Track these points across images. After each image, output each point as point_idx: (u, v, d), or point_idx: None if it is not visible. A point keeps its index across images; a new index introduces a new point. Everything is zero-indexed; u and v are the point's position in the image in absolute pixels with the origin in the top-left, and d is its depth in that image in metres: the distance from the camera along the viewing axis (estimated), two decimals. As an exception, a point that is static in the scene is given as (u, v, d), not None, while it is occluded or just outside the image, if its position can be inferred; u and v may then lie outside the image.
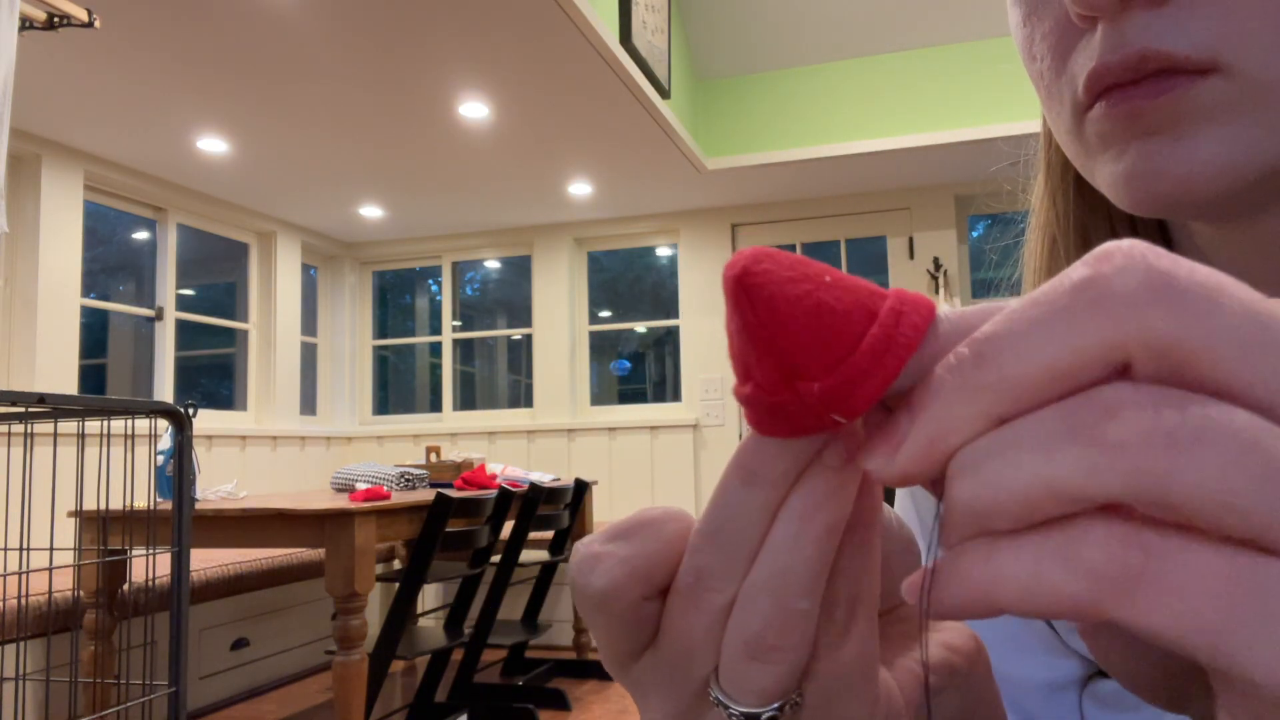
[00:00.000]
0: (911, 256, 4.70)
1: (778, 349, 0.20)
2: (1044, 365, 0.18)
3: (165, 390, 4.22)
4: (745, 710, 0.23)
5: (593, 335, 5.25)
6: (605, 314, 5.40)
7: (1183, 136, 0.32)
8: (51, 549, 1.81)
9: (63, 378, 3.61)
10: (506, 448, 5.13)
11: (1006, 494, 0.18)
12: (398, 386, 5.90)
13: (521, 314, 5.43)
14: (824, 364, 0.20)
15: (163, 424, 2.01)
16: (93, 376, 4.26)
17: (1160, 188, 0.33)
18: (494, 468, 3.82)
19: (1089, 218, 0.43)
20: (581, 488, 3.88)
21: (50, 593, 2.59)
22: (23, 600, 2.35)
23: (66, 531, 2.58)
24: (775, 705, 0.23)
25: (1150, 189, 0.33)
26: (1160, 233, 0.43)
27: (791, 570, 0.22)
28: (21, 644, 2.14)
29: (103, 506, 1.86)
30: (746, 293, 0.20)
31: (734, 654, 0.23)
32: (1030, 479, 0.18)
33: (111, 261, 4.45)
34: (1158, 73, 0.32)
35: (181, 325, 4.36)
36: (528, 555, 3.71)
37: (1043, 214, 0.45)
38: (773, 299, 0.20)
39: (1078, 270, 0.18)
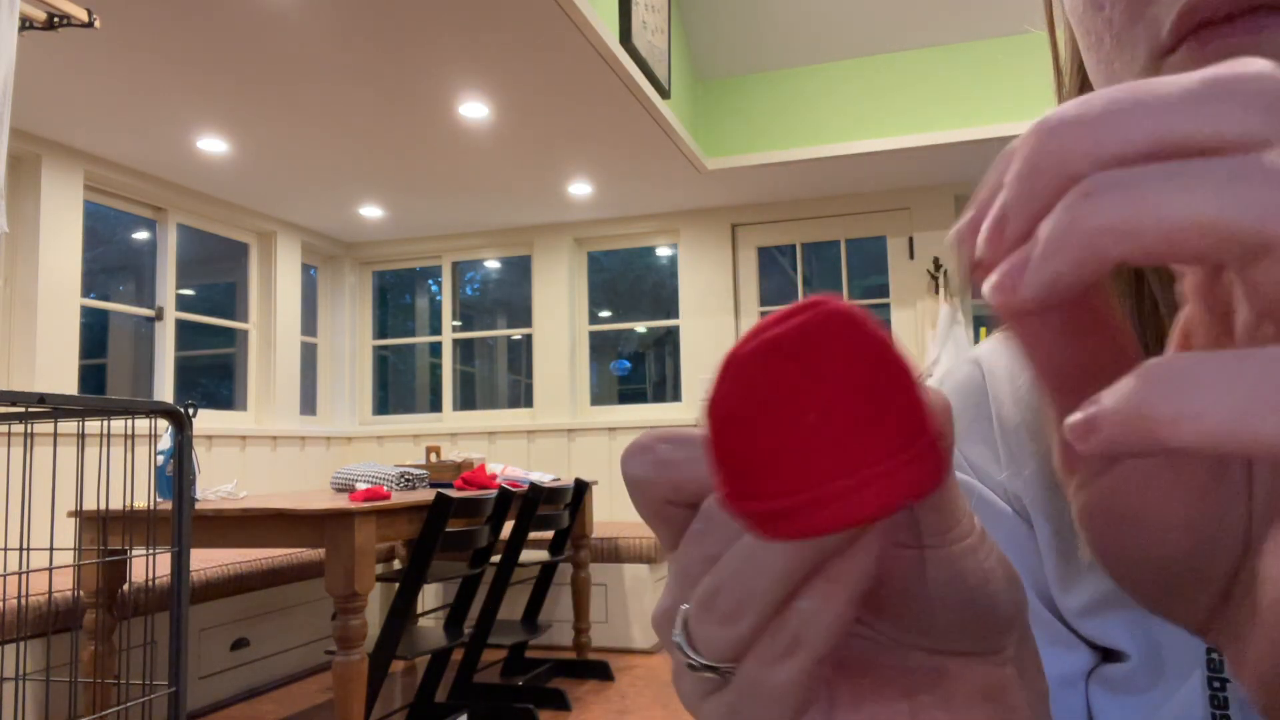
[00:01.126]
0: (911, 256, 4.70)
1: (718, 468, 0.20)
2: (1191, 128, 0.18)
3: (165, 390, 4.22)
4: (688, 657, 0.24)
5: (593, 335, 5.25)
6: (605, 314, 5.40)
7: None
8: (51, 549, 1.81)
9: (63, 378, 3.61)
10: (506, 448, 5.13)
11: (1162, 224, 0.17)
12: (398, 386, 5.91)
13: (521, 314, 5.43)
14: (754, 492, 0.20)
15: (163, 424, 2.01)
16: (93, 376, 4.27)
17: None
18: (494, 468, 3.82)
19: None
20: (581, 488, 3.88)
21: (50, 593, 2.59)
22: (23, 600, 2.35)
23: (66, 531, 2.59)
24: (705, 662, 0.24)
25: None
26: None
27: (754, 570, 0.23)
28: (21, 644, 2.15)
29: (103, 506, 1.86)
30: (712, 413, 0.20)
31: (698, 598, 0.24)
32: (1197, 214, 0.17)
33: (111, 261, 4.45)
34: (1258, 8, 0.30)
35: (181, 325, 4.36)
36: (528, 555, 3.71)
37: None
38: (730, 432, 0.20)
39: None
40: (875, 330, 0.20)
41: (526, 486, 3.49)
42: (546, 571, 3.91)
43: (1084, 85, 0.43)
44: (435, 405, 5.49)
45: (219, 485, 3.37)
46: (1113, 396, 0.17)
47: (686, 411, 4.95)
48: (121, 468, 1.82)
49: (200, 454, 4.08)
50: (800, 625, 0.23)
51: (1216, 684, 0.39)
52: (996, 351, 0.51)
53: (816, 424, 0.20)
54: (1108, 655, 0.45)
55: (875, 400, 0.20)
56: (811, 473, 0.20)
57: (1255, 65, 0.18)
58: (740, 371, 0.20)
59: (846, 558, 0.23)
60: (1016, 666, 0.27)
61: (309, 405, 5.27)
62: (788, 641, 0.23)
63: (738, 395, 0.20)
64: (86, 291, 3.81)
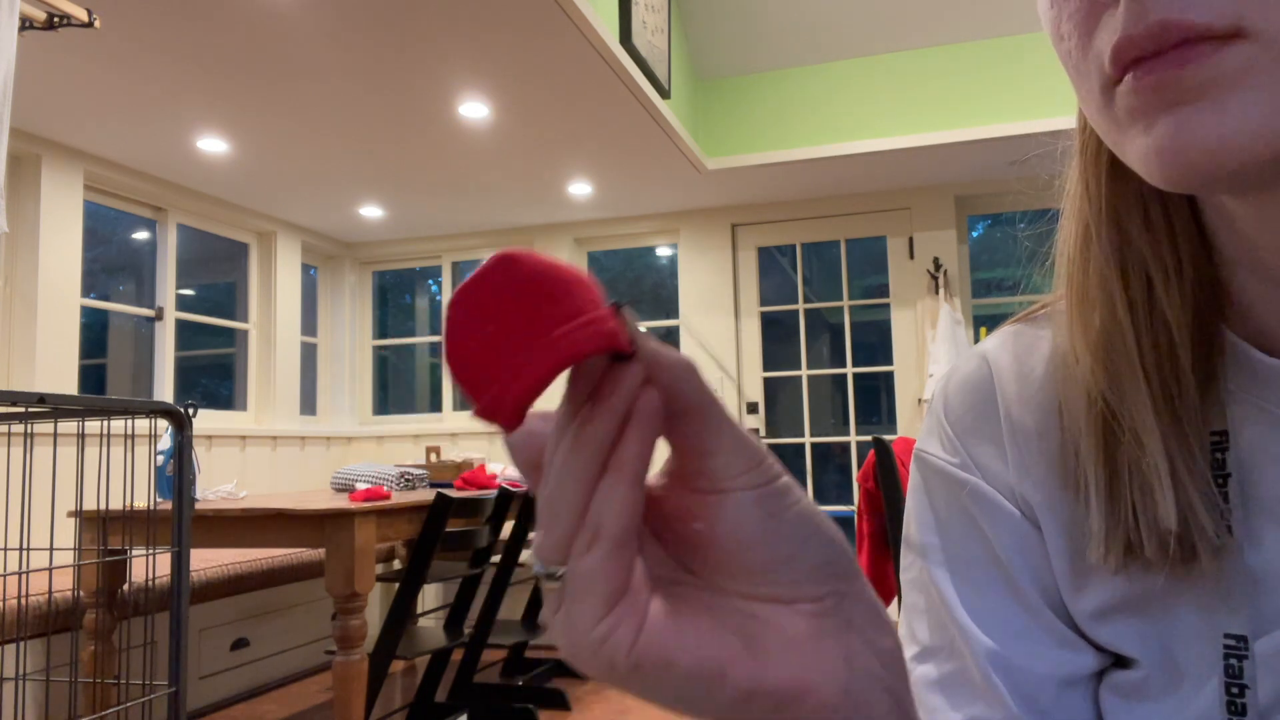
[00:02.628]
0: (911, 256, 4.70)
1: (463, 391, 0.27)
2: None
3: (165, 390, 4.22)
4: (535, 571, 0.29)
5: (593, 335, 5.24)
6: (605, 314, 5.39)
7: (1212, 103, 0.32)
8: (51, 549, 1.81)
9: (63, 378, 3.61)
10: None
11: None
12: (398, 386, 5.90)
13: (521, 314, 5.42)
14: (476, 394, 0.27)
15: (163, 424, 2.01)
16: (93, 376, 4.26)
17: (1191, 158, 0.32)
18: (494, 468, 3.82)
19: (1120, 199, 0.43)
20: (581, 488, 3.88)
21: (50, 593, 2.59)
22: (23, 600, 2.36)
23: (66, 531, 2.59)
24: (546, 570, 0.29)
25: (1181, 160, 0.33)
26: (1190, 210, 0.43)
27: (561, 481, 0.28)
28: (21, 644, 2.15)
29: (103, 506, 1.86)
30: (445, 350, 0.27)
31: (536, 520, 0.29)
32: None
33: (111, 261, 4.44)
34: (1181, 43, 0.31)
35: (181, 325, 4.36)
36: (528, 555, 3.70)
37: (1077, 199, 0.45)
38: (452, 343, 0.27)
39: None
40: (528, 259, 0.27)
41: (526, 486, 3.48)
42: (546, 571, 3.90)
43: None
44: (435, 405, 5.49)
45: (219, 485, 3.37)
46: None
47: (686, 411, 4.94)
48: (121, 468, 1.82)
49: (200, 454, 4.08)
50: (598, 516, 0.27)
51: (1235, 690, 0.39)
52: (1002, 348, 0.51)
53: (495, 329, 0.27)
54: (1120, 661, 0.45)
55: (537, 303, 0.27)
56: (501, 362, 0.26)
57: None
58: (451, 313, 0.27)
59: (620, 449, 0.27)
60: (837, 618, 0.30)
61: (309, 405, 5.27)
62: (591, 532, 0.27)
63: (452, 330, 0.27)
64: (86, 291, 3.81)
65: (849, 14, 4.11)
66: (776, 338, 4.99)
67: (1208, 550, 0.39)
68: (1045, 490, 0.46)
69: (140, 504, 2.11)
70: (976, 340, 4.39)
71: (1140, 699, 0.43)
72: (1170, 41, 0.32)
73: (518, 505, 3.43)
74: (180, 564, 1.84)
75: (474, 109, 3.48)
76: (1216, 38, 0.31)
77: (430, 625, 4.03)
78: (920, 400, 4.59)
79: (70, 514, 2.46)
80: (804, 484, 4.83)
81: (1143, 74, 0.33)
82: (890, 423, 4.72)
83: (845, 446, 4.82)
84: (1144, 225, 0.43)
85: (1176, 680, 0.42)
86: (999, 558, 0.47)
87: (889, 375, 4.74)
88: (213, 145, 3.77)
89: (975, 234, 4.81)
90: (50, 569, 1.81)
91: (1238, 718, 0.39)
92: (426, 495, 3.01)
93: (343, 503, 2.69)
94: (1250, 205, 0.37)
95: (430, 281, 5.77)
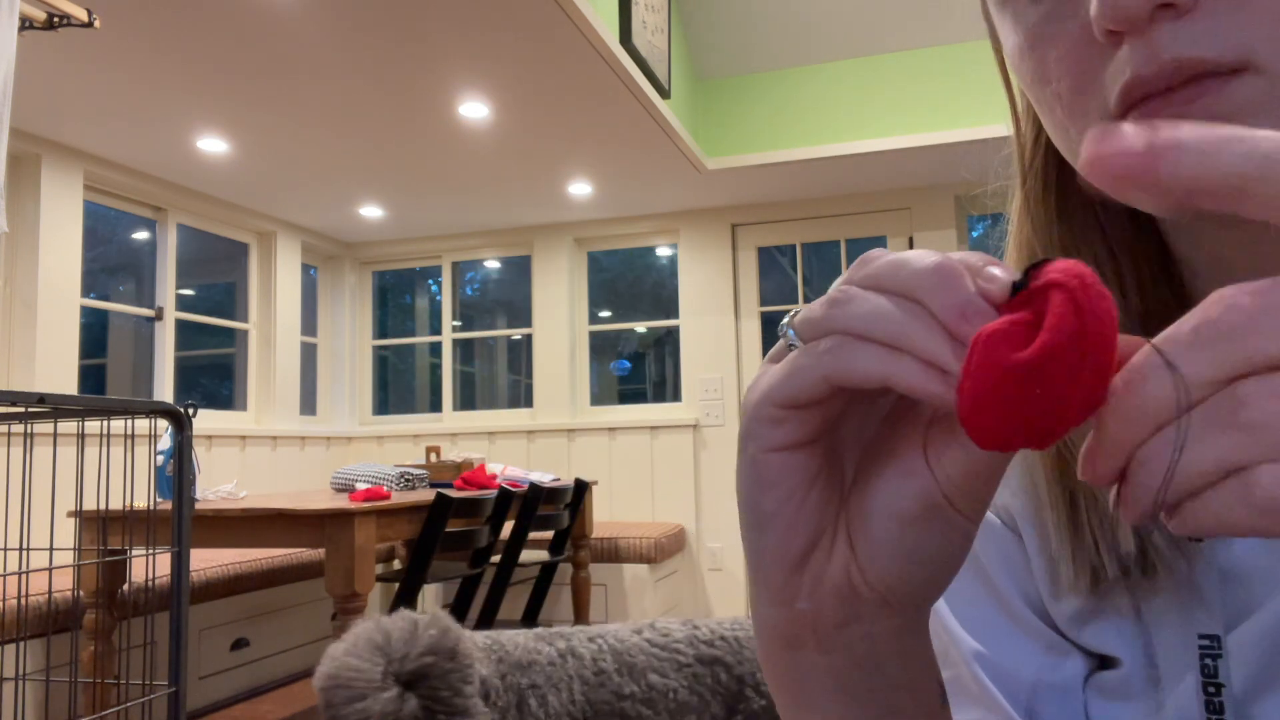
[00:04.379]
0: (911, 256, 4.70)
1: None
2: None
3: (165, 390, 4.22)
4: (790, 341, 0.30)
5: (593, 335, 5.25)
6: (605, 314, 5.40)
7: None
8: (51, 549, 1.81)
9: (63, 378, 3.61)
10: (506, 448, 5.13)
11: None
12: (398, 386, 5.91)
13: (521, 314, 5.43)
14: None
15: (163, 424, 2.01)
16: (93, 376, 4.27)
17: None
18: (494, 468, 3.82)
19: (1069, 240, 0.44)
20: (581, 488, 3.88)
21: (50, 593, 2.59)
22: (23, 600, 2.35)
23: (66, 531, 2.58)
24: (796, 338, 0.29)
25: None
26: (1157, 245, 0.44)
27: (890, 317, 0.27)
28: (21, 644, 2.15)
29: (103, 506, 1.86)
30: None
31: (843, 318, 0.28)
32: None
33: (111, 261, 4.45)
34: (1191, 79, 0.32)
35: (181, 325, 4.36)
36: (528, 555, 3.71)
37: (1024, 233, 0.46)
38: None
39: None
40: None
41: (526, 486, 3.49)
42: (546, 571, 3.91)
43: (1040, 129, 0.46)
44: (435, 405, 5.49)
45: (219, 485, 3.37)
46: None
47: (687, 411, 4.95)
48: (121, 468, 1.82)
49: (200, 454, 4.08)
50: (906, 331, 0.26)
51: (1211, 689, 0.40)
52: None
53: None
54: (1105, 662, 0.45)
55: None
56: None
57: None
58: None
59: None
60: None
61: (309, 405, 5.27)
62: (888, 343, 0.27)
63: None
64: (86, 291, 3.81)
65: (848, 14, 4.11)
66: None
67: (1165, 566, 0.41)
68: (1022, 498, 0.47)
69: (140, 504, 2.11)
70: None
71: (1124, 698, 0.44)
72: (1181, 78, 0.32)
73: (517, 505, 3.43)
74: (180, 564, 1.84)
75: (474, 109, 3.48)
76: (1225, 72, 0.32)
77: (430, 625, 4.03)
78: (920, 400, 4.59)
79: (70, 514, 2.46)
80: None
81: (1152, 111, 0.33)
82: (890, 423, 4.72)
83: (845, 446, 4.81)
84: (1093, 256, 0.44)
85: (1156, 680, 0.42)
86: (983, 567, 0.48)
87: (889, 375, 4.74)
88: (213, 145, 3.77)
89: (975, 234, 4.81)
90: (50, 569, 1.81)
91: (1216, 716, 0.39)
92: (426, 495, 3.01)
93: (343, 503, 2.69)
94: (1242, 235, 0.37)
95: (430, 281, 5.77)
